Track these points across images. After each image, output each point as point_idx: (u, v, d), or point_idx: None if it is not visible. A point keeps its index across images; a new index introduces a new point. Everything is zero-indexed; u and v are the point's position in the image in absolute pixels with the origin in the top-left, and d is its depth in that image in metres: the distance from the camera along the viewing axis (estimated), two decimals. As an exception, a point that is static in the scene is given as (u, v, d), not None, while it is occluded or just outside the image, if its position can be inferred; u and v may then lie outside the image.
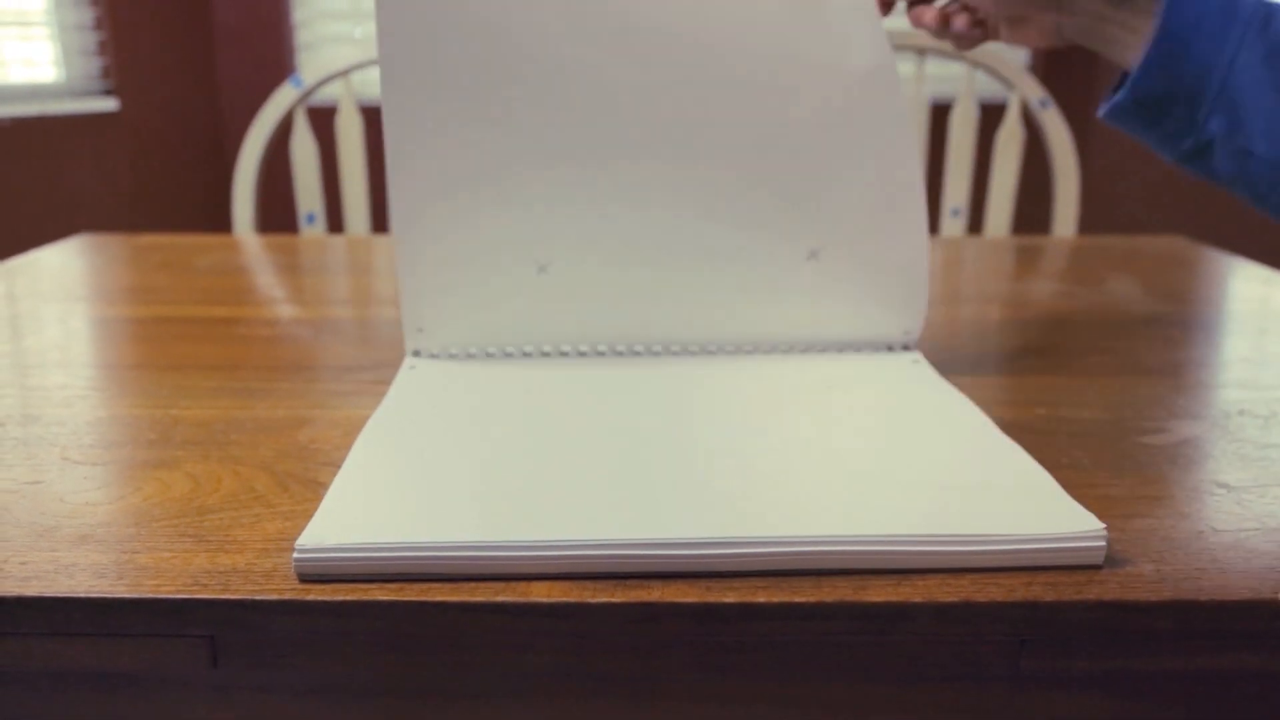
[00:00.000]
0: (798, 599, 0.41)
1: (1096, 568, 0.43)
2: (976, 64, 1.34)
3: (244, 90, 2.28)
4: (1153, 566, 0.43)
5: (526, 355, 0.68)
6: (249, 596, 0.41)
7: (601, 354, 0.67)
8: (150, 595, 0.41)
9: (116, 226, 2.13)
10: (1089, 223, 2.35)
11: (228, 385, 0.66)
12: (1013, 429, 0.58)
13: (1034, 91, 1.33)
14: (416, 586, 0.41)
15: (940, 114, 1.67)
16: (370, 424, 0.55)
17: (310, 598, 0.41)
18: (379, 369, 0.69)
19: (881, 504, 0.45)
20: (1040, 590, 0.41)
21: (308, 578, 0.42)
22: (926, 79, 1.36)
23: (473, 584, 0.41)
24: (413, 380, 0.63)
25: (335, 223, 2.11)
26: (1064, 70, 2.22)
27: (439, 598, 0.41)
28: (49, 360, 0.71)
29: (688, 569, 0.42)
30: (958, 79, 1.38)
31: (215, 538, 0.45)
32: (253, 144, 1.33)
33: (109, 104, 2.04)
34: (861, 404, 0.58)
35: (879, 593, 0.41)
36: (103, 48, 2.04)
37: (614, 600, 0.40)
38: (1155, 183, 2.37)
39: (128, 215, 2.11)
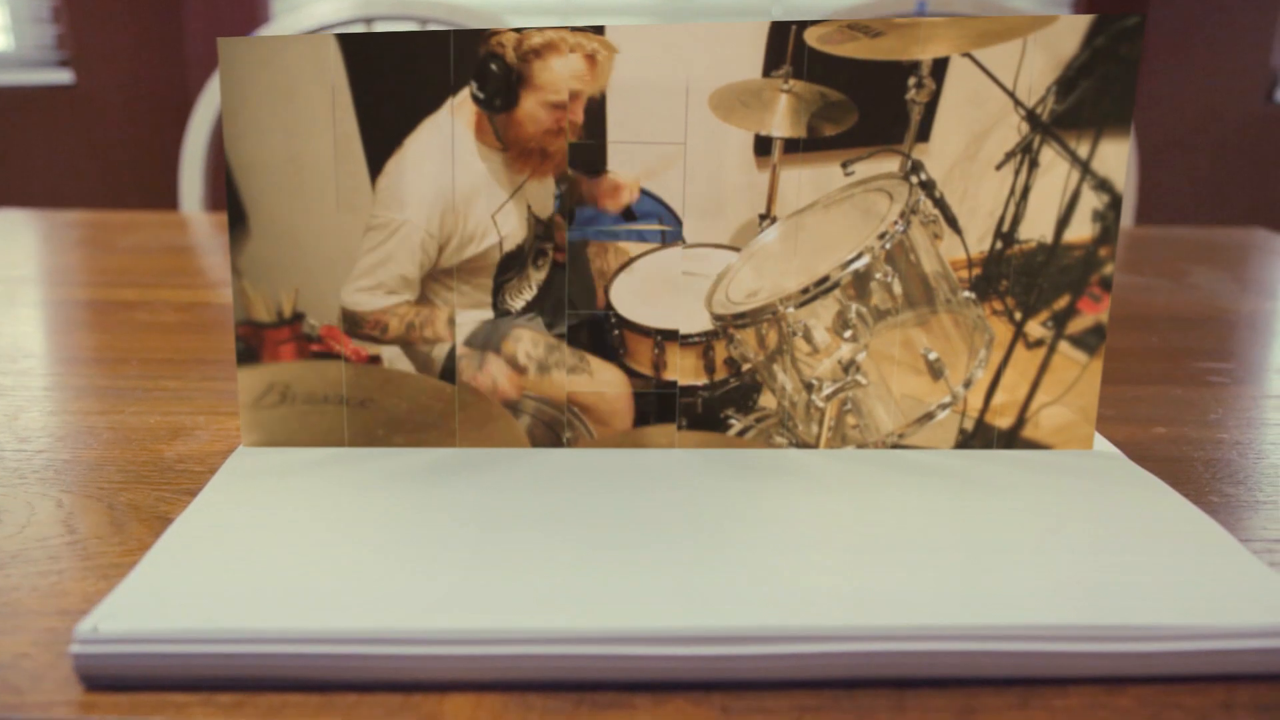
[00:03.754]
0: (868, 732, 0.25)
1: (1323, 678, 0.28)
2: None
3: (212, 62, 2.13)
4: None
5: None
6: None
7: None
8: None
9: (70, 208, 1.98)
10: (1139, 213, 2.19)
11: (100, 383, 0.51)
12: (1132, 455, 0.43)
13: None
14: (263, 701, 0.26)
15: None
16: (239, 451, 0.39)
17: (91, 718, 0.26)
18: (298, 364, 0.54)
19: (995, 582, 0.30)
20: (1248, 717, 0.26)
21: (96, 682, 0.27)
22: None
23: (353, 697, 0.26)
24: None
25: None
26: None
27: (296, 721, 0.26)
28: (-116, 348, 0.56)
29: (693, 677, 0.27)
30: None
31: (-15, 608, 0.30)
32: (204, 113, 1.18)
33: (63, 76, 1.88)
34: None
35: (995, 718, 0.26)
36: (56, 14, 1.88)
37: (574, 731, 0.25)
38: (1206, 172, 2.21)
39: (83, 196, 1.95)
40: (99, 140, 2.00)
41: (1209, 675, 0.28)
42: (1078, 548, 0.32)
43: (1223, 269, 0.83)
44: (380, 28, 1.22)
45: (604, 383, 0.38)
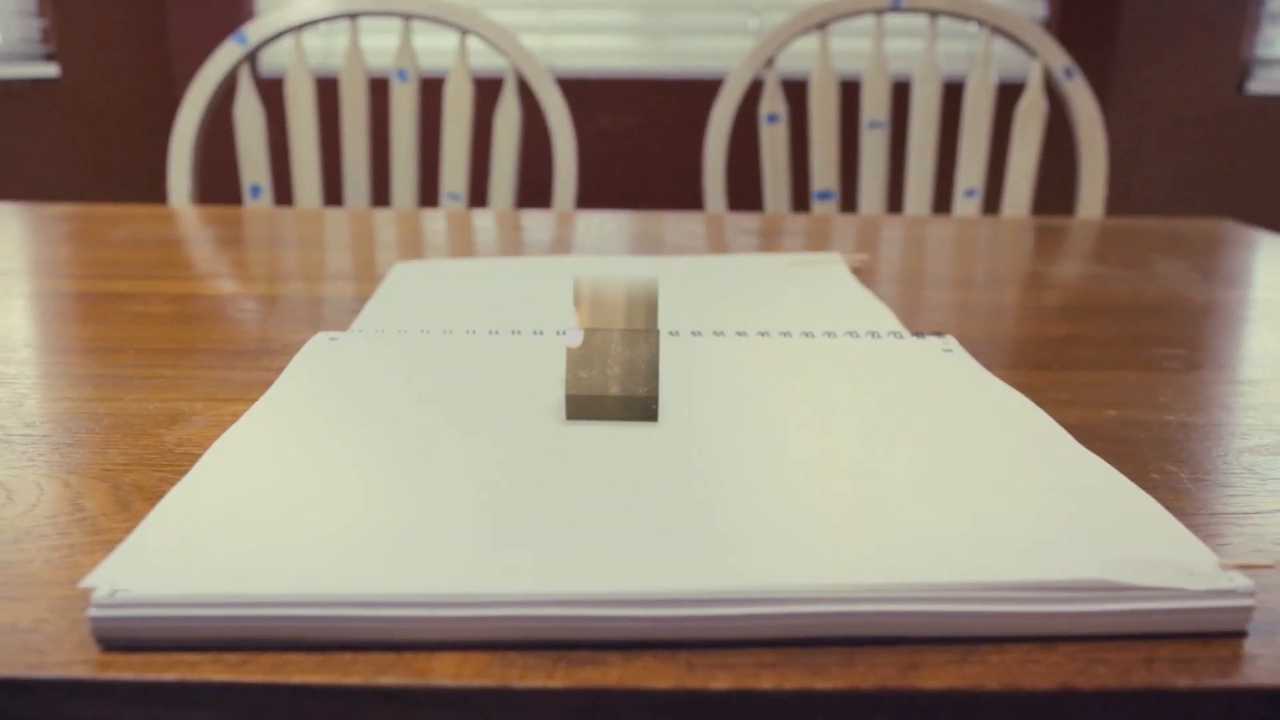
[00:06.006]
0: (820, 685, 0.28)
1: (1239, 636, 0.30)
2: (996, 29, 1.21)
3: (198, 56, 2.13)
4: (1317, 634, 0.30)
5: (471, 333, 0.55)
6: (21, 674, 0.28)
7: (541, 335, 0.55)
8: None
9: (57, 201, 1.99)
10: (1108, 206, 2.22)
11: (98, 371, 0.53)
12: (1080, 436, 0.46)
13: (1058, 59, 1.21)
14: (266, 659, 0.28)
15: (953, 87, 1.55)
16: (238, 425, 0.42)
17: (109, 675, 0.28)
18: (289, 353, 0.56)
19: (936, 543, 0.33)
20: (1167, 671, 0.29)
21: (112, 643, 0.29)
22: (940, 41, 1.24)
23: (349, 656, 0.29)
24: (314, 365, 0.50)
25: (284, 197, 1.97)
26: (1082, 36, 2.08)
27: (297, 678, 0.28)
28: (-113, 338, 0.58)
29: (661, 636, 0.29)
30: (974, 41, 1.25)
31: (2, 578, 0.32)
32: (191, 107, 1.20)
33: (49, 69, 1.89)
34: (892, 408, 0.46)
35: (936, 675, 0.28)
36: (42, 8, 1.89)
37: (552, 685, 0.28)
38: (1177, 165, 2.24)
39: (70, 190, 1.95)
40: (86, 133, 2.01)
41: (1134, 634, 0.30)
42: (1017, 516, 0.34)
43: (1188, 259, 0.86)
44: (364, 22, 1.23)
45: None
